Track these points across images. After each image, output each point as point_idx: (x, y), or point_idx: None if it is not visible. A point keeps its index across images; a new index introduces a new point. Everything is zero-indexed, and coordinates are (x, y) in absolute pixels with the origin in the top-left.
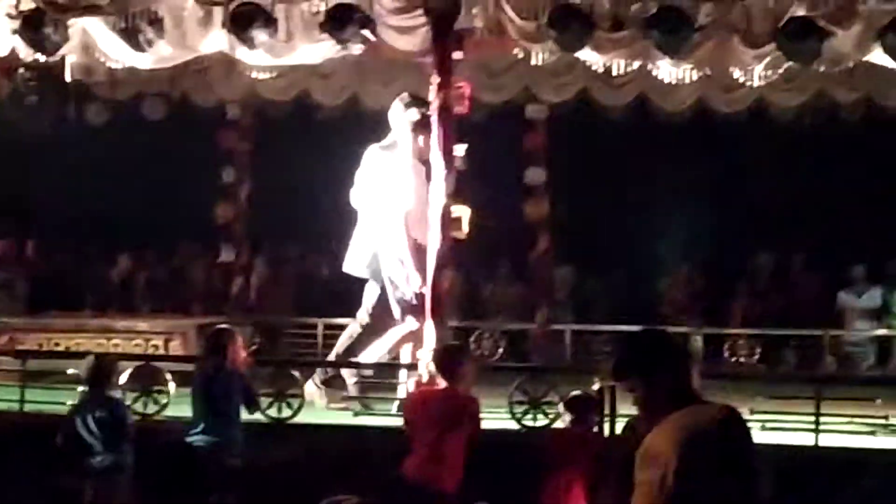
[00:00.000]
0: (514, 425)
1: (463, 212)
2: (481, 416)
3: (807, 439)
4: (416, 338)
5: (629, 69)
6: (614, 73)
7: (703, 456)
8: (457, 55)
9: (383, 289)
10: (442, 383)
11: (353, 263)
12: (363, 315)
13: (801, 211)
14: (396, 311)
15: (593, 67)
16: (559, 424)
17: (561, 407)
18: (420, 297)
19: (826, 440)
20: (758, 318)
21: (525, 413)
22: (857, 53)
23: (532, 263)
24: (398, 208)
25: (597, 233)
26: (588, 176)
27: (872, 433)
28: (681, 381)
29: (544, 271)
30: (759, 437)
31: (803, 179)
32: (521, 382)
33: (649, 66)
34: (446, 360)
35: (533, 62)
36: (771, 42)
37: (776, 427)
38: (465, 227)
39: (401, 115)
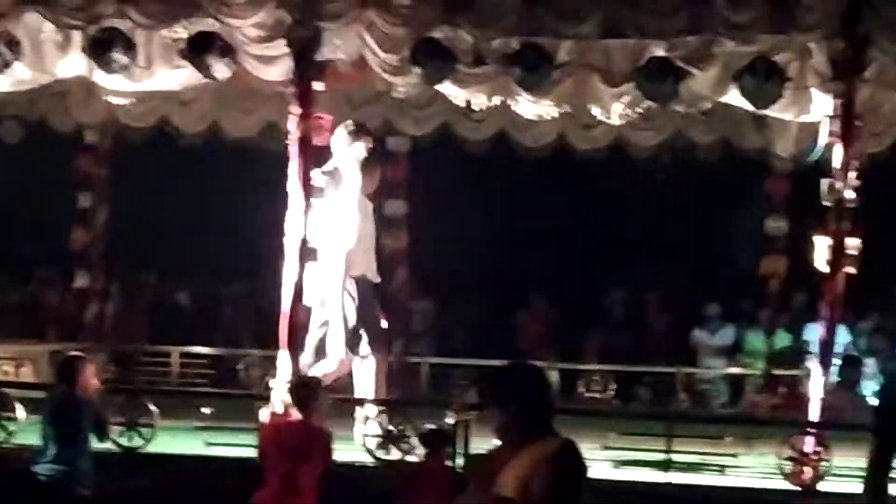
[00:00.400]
0: (368, 458)
1: None
2: (334, 448)
3: (658, 476)
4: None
5: (490, 104)
6: (475, 107)
7: (540, 486)
8: (318, 86)
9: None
10: (296, 415)
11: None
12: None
13: (656, 248)
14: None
15: (454, 101)
16: (413, 458)
17: (415, 440)
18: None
19: (676, 477)
20: (612, 354)
21: (379, 446)
22: (714, 95)
23: (390, 296)
24: (340, 246)
25: (456, 266)
26: (448, 209)
27: (721, 471)
28: (540, 415)
29: (402, 304)
30: (611, 473)
31: (660, 217)
32: (376, 415)
33: (510, 102)
34: (301, 392)
35: (395, 95)
36: (630, 81)
37: (628, 463)
38: None
39: (346, 148)
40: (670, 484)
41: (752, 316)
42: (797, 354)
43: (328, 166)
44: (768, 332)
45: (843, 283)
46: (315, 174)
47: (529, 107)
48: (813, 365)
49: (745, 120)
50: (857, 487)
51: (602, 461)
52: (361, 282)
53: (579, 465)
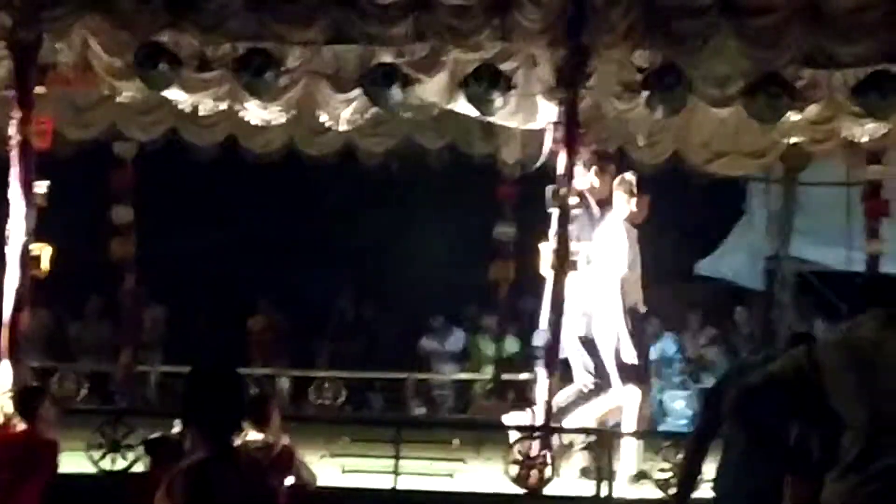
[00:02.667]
0: (92, 469)
1: (43, 250)
2: (59, 459)
3: (386, 482)
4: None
5: (217, 109)
6: (202, 112)
7: None
8: (40, 89)
9: (594, 352)
10: (21, 426)
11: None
12: (587, 378)
13: (387, 255)
14: (614, 376)
15: (181, 107)
16: (139, 468)
17: (141, 449)
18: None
19: (406, 483)
20: (344, 361)
21: (103, 456)
22: (441, 101)
23: (120, 303)
24: (614, 273)
25: (186, 273)
26: (177, 215)
27: (450, 476)
28: (215, 428)
29: (131, 311)
30: (340, 480)
31: (391, 223)
32: (100, 425)
33: (237, 108)
34: (25, 401)
35: (120, 99)
36: (357, 87)
37: (356, 470)
38: (45, 265)
39: (614, 185)
40: (398, 490)
41: (481, 321)
42: (525, 359)
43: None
44: (497, 338)
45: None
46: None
47: (257, 112)
48: (539, 369)
49: (473, 126)
50: (585, 490)
51: (331, 468)
52: (631, 311)
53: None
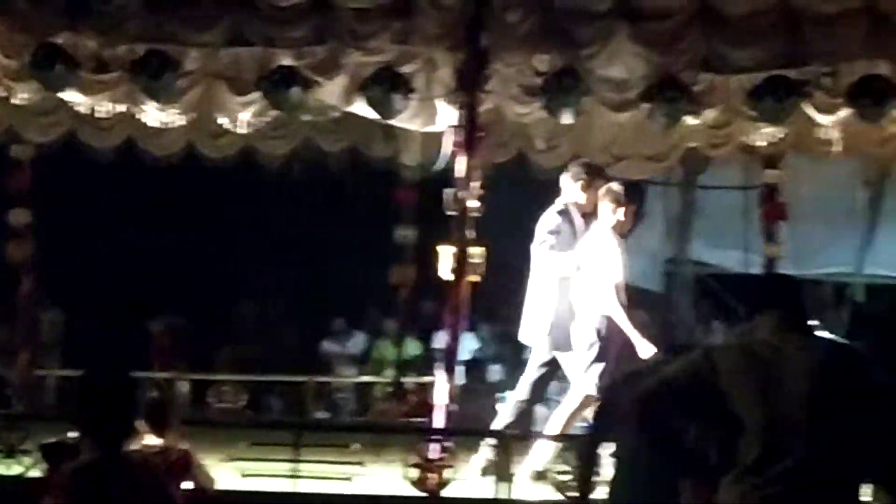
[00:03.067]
0: None
1: None
2: None
3: (286, 486)
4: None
5: (116, 111)
6: (100, 114)
7: None
8: None
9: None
10: None
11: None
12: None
13: (288, 258)
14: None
15: (78, 109)
16: (36, 473)
17: (38, 454)
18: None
19: (305, 486)
20: (244, 365)
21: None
22: (341, 104)
23: (17, 306)
24: (609, 280)
25: (87, 276)
26: (76, 217)
27: (349, 479)
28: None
29: (29, 314)
30: (238, 484)
31: (292, 227)
32: None
33: (135, 110)
34: None
35: (16, 101)
36: (257, 90)
37: (255, 474)
38: None
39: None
40: (298, 494)
41: (382, 325)
42: (426, 362)
43: (558, 206)
44: (398, 341)
45: (467, 291)
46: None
47: (156, 114)
48: (438, 372)
49: (373, 130)
50: (485, 492)
51: (230, 472)
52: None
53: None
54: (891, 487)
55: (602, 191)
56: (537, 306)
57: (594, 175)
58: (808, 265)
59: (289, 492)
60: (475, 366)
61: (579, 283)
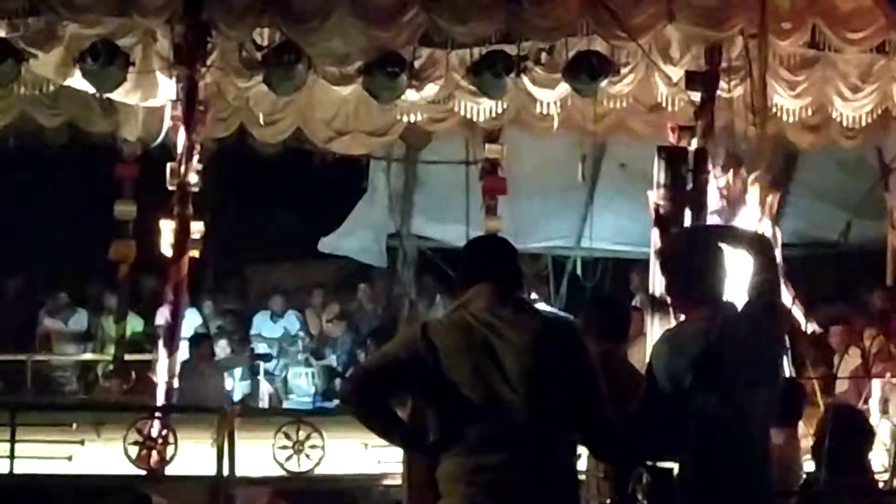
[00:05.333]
0: None
1: None
2: None
3: (2, 467)
4: None
5: None
6: None
7: None
8: None
9: None
10: None
11: None
12: None
13: (7, 234)
14: None
15: None
16: None
17: None
18: None
19: (22, 467)
20: None
21: None
22: (57, 77)
23: None
24: None
25: None
26: None
27: (69, 458)
28: None
29: None
30: None
31: (9, 202)
32: None
33: None
34: None
35: None
36: None
37: None
38: None
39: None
40: (15, 474)
41: (103, 301)
42: (148, 339)
43: None
44: (119, 318)
45: (188, 267)
46: None
47: None
48: (160, 349)
49: (92, 103)
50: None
51: None
52: None
53: None
54: (596, 452)
55: (751, 178)
56: None
57: (737, 162)
58: (528, 239)
59: (6, 473)
60: (202, 341)
61: None
